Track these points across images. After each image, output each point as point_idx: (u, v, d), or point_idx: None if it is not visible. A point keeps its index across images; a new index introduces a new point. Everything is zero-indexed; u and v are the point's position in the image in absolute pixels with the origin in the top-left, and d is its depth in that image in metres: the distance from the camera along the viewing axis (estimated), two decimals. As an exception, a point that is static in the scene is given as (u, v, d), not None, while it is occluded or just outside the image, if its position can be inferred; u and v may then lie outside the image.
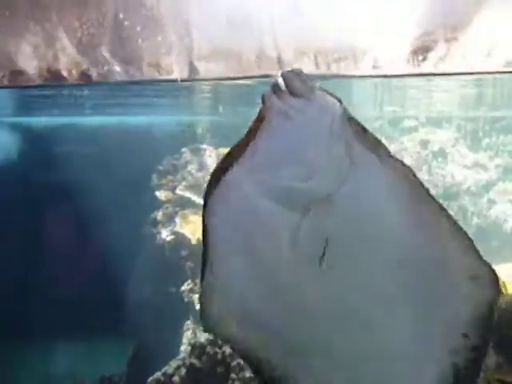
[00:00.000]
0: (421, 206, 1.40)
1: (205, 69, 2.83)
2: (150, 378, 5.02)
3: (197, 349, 5.11)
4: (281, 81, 1.36)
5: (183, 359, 5.14)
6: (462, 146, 11.64)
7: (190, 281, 7.87)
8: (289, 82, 1.34)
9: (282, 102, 1.34)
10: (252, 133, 1.37)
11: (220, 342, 5.02)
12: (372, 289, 1.43)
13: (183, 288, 7.89)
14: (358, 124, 1.41)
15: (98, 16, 2.56)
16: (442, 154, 11.46)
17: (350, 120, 1.39)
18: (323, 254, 1.37)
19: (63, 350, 8.01)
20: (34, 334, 7.63)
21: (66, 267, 7.59)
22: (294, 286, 1.41)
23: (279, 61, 2.62)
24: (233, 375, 4.83)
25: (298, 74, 1.35)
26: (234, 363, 4.87)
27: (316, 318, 1.44)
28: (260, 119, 1.37)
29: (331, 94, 1.41)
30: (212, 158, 9.84)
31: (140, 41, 2.66)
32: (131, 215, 8.27)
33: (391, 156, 1.42)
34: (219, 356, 4.94)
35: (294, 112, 1.35)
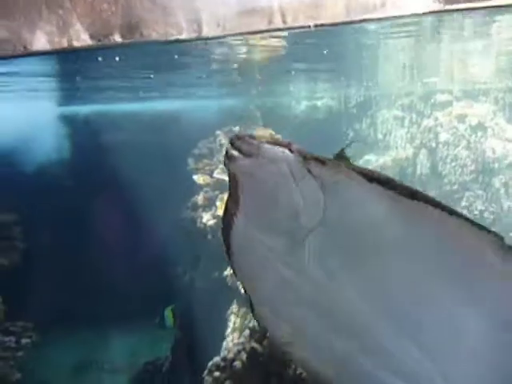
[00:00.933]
0: (403, 212, 1.48)
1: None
2: (210, 363, 4.90)
3: (256, 333, 4.97)
4: (231, 148, 1.57)
5: (243, 344, 5.01)
6: (500, 118, 11.18)
7: (233, 265, 7.75)
8: (237, 146, 1.55)
9: (240, 165, 1.57)
10: (234, 193, 1.66)
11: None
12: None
13: (226, 272, 7.78)
14: (315, 158, 1.56)
15: (109, 2, 2.54)
16: (480, 128, 11.02)
17: (305, 158, 1.55)
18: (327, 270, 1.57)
19: (107, 336, 8.06)
20: (81, 321, 7.67)
21: (111, 254, 7.56)
22: (309, 298, 1.66)
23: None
24: (296, 359, 4.70)
25: (242, 137, 1.56)
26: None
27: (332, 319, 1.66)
28: (233, 180, 1.63)
29: (280, 144, 1.57)
30: (246, 139, 9.63)
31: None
32: (171, 200, 8.17)
33: (357, 171, 1.53)
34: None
35: (254, 170, 1.56)
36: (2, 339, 6.54)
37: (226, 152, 1.58)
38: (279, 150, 1.56)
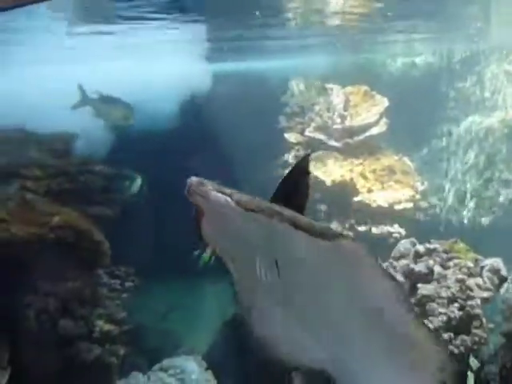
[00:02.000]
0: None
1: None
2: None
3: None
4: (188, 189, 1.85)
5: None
6: None
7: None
8: (190, 189, 1.83)
9: (195, 200, 1.83)
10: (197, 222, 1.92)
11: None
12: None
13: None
14: (250, 201, 1.81)
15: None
16: None
17: (239, 203, 1.79)
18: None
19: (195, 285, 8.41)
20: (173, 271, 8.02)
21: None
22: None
23: None
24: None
25: (195, 181, 1.83)
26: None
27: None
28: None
29: (223, 192, 1.82)
30: (339, 97, 9.23)
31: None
32: (262, 158, 8.18)
33: (285, 218, 1.76)
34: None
35: (205, 208, 1.85)
36: (109, 281, 7.17)
37: (186, 191, 1.87)
38: (221, 196, 1.83)
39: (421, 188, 8.24)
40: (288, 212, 1.80)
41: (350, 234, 7.31)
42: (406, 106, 9.60)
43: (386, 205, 7.16)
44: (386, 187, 7.56)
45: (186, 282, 8.27)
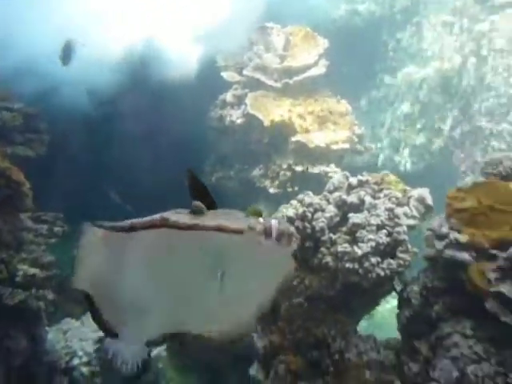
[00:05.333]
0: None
1: None
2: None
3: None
4: None
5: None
6: None
7: (261, 165, 7.59)
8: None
9: None
10: None
11: (309, 217, 4.76)
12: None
13: (255, 173, 7.65)
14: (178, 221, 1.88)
15: None
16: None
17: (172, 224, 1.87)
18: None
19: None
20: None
21: (139, 149, 7.44)
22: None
23: None
24: (323, 249, 4.63)
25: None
26: (324, 237, 4.63)
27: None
28: None
29: (148, 226, 1.90)
30: (280, 37, 8.96)
31: None
32: (198, 97, 7.83)
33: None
34: (308, 230, 4.70)
35: None
36: (34, 226, 6.75)
37: None
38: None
39: (358, 132, 8.35)
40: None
41: (288, 174, 7.31)
42: (347, 54, 9.53)
43: (322, 145, 7.17)
44: (323, 128, 7.55)
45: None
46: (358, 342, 4.48)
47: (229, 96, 7.95)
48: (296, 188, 7.05)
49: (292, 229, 1.88)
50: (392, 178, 5.07)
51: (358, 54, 10.15)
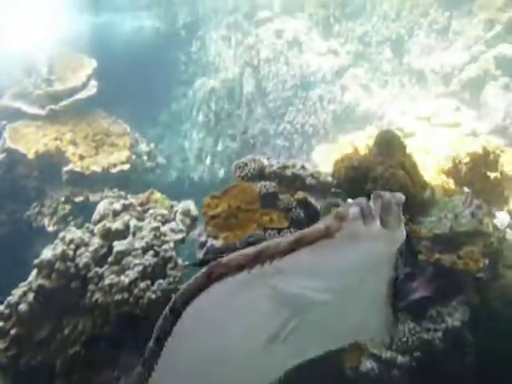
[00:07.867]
0: None
1: None
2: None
3: (44, 268, 4.36)
4: None
5: (29, 283, 4.38)
6: (315, 34, 11.58)
7: (35, 203, 6.80)
8: None
9: None
10: None
11: (70, 255, 4.35)
12: None
13: (29, 212, 6.82)
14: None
15: None
16: (296, 43, 11.29)
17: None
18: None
19: None
20: None
21: None
22: None
23: None
24: (91, 286, 4.27)
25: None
26: (90, 273, 4.28)
27: None
28: None
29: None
30: (43, 61, 8.22)
31: None
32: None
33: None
34: (72, 270, 4.29)
35: None
36: None
37: None
38: None
39: (146, 149, 8.19)
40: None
41: (68, 207, 6.72)
42: (139, 70, 9.28)
43: (99, 170, 6.77)
44: (100, 152, 7.15)
45: None
46: None
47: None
48: (79, 220, 6.51)
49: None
50: (158, 195, 5.00)
51: (153, 69, 10.09)
